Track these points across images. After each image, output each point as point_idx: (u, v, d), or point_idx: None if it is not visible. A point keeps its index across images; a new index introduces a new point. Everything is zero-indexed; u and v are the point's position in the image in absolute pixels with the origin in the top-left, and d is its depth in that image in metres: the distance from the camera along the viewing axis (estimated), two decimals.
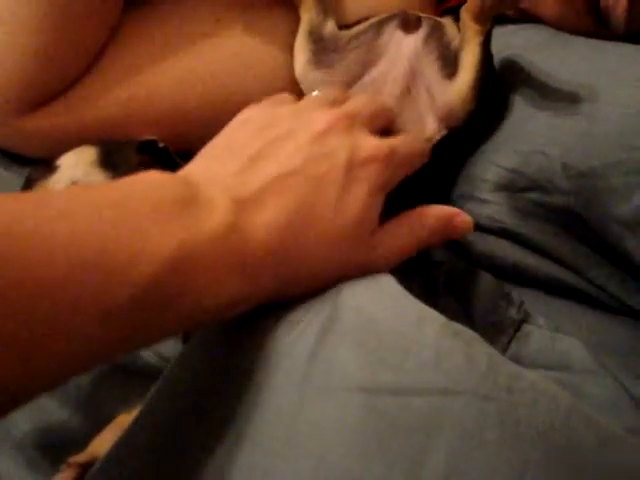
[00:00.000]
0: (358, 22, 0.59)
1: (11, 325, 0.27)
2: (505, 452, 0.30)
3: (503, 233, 0.53)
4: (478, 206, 0.54)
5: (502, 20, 0.62)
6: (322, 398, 0.34)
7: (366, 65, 0.56)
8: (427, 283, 0.52)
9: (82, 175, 0.54)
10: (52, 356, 0.29)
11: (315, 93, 0.52)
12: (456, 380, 0.36)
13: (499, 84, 0.56)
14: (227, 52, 0.61)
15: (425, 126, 0.54)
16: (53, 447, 0.46)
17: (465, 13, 0.54)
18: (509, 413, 0.32)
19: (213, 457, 0.34)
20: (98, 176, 0.54)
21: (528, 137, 0.53)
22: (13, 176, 0.59)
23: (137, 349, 0.35)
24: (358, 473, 0.30)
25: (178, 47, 0.60)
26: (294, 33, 0.59)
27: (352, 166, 0.40)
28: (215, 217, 0.35)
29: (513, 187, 0.52)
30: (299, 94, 0.58)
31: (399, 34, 0.56)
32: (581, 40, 0.59)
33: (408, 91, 0.54)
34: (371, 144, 0.42)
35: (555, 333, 0.50)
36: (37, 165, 0.56)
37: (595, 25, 0.61)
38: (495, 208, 0.53)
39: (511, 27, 0.60)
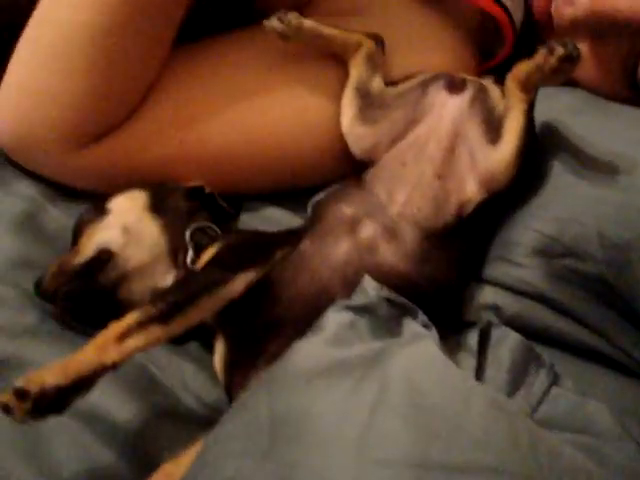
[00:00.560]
0: (404, 78, 0.61)
1: None
2: None
3: (536, 296, 0.54)
4: (513, 269, 0.55)
5: None
6: (378, 470, 0.36)
7: (411, 123, 0.58)
8: (461, 342, 0.54)
9: (134, 220, 0.55)
10: None
11: None
12: (501, 460, 0.38)
13: (540, 149, 0.57)
14: (278, 101, 0.62)
15: (465, 187, 0.55)
16: None
17: (511, 81, 0.55)
18: None
19: None
20: (149, 221, 0.56)
21: (566, 205, 0.54)
22: (61, 215, 0.60)
23: None
24: None
25: (229, 92, 0.61)
26: (342, 86, 0.61)
27: None
28: None
29: (548, 253, 0.54)
30: (344, 146, 0.60)
31: (444, 94, 0.58)
32: (621, 107, 0.60)
33: (452, 151, 0.56)
34: None
35: (582, 397, 0.51)
36: (88, 207, 0.57)
37: (630, 92, 0.63)
38: (529, 272, 0.54)
39: (550, 90, 0.61)
